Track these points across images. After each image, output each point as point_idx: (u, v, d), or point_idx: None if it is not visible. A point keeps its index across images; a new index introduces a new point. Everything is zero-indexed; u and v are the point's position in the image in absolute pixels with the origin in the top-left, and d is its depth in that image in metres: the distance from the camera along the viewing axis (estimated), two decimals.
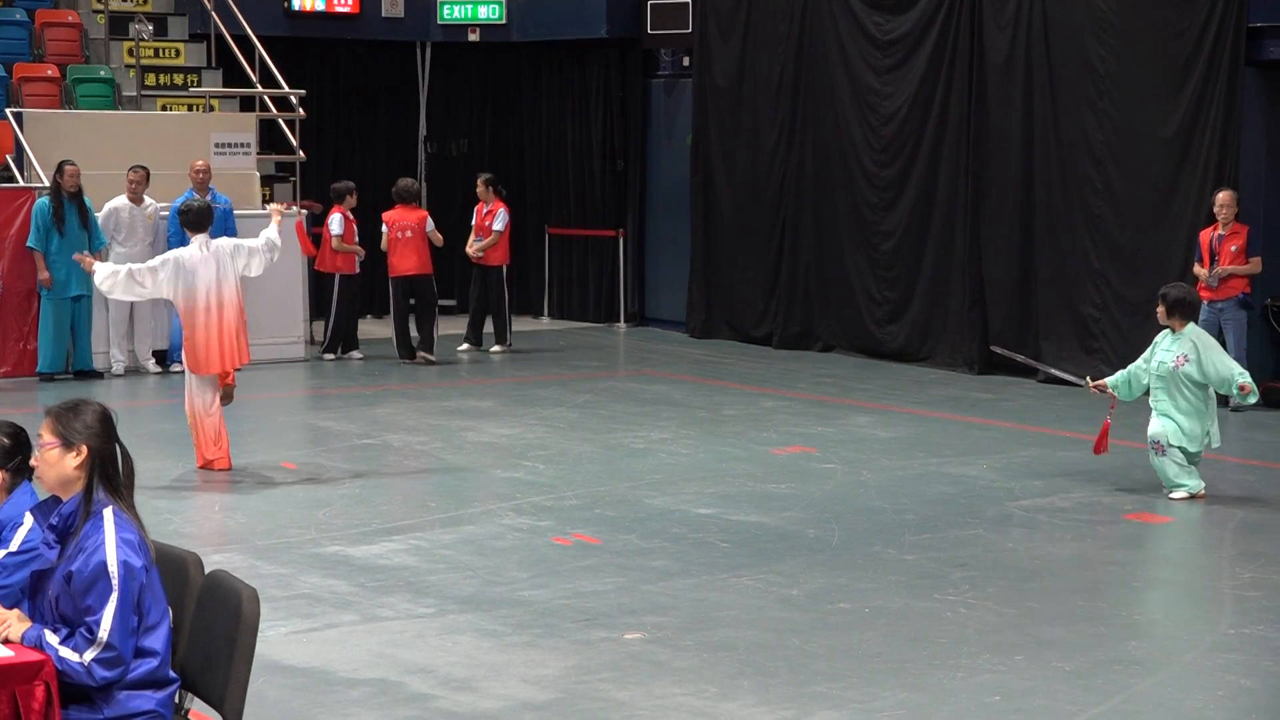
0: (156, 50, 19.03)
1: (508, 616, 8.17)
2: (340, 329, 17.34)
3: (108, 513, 5.04)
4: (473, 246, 17.89)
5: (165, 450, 12.08)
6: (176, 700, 5.17)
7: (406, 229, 17.07)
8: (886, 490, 11.09)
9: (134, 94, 18.26)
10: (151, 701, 5.02)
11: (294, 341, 17.13)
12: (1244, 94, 14.57)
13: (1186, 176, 14.89)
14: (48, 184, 15.45)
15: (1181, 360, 10.72)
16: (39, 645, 4.90)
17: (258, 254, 11.46)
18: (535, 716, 6.79)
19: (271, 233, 11.58)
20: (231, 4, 18.71)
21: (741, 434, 13.17)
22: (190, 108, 18.57)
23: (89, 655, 4.89)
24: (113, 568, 4.93)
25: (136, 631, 4.98)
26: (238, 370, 11.69)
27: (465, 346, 18.02)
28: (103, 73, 18.41)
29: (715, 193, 19.26)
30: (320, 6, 20.48)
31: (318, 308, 17.77)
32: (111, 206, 15.78)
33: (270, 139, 18.52)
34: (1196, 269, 14.23)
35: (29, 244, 15.32)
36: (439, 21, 21.31)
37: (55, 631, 4.96)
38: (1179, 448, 10.75)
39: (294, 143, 18.00)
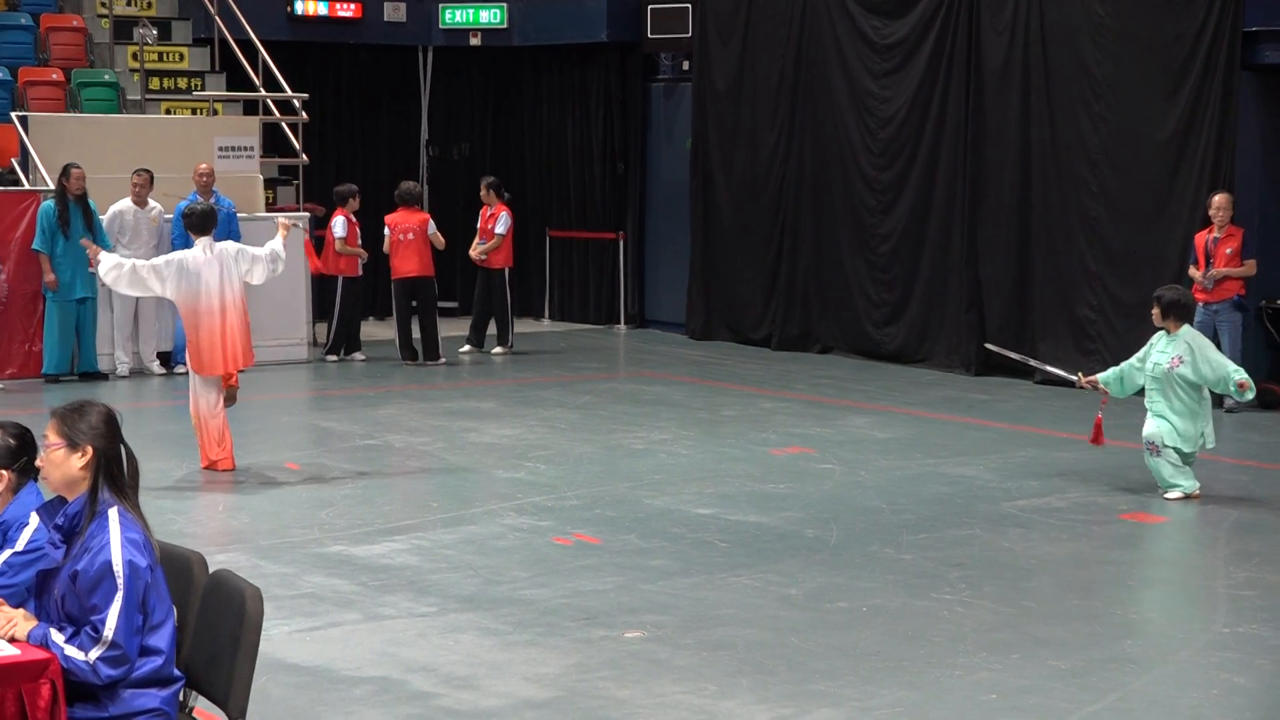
0: (161, 54, 19.04)
1: (509, 615, 8.18)
2: (343, 331, 17.35)
3: (113, 513, 5.05)
4: (476, 249, 17.90)
5: (169, 451, 12.09)
6: (181, 698, 5.18)
7: (408, 231, 17.08)
8: (884, 490, 11.10)
9: (138, 98, 18.27)
10: (156, 699, 5.03)
11: (297, 343, 17.14)
12: (1239, 98, 14.58)
13: (1182, 179, 14.90)
14: (53, 187, 15.46)
15: (1176, 361, 10.73)
16: (45, 644, 4.92)
17: (261, 262, 11.46)
18: (536, 714, 6.80)
19: (277, 244, 11.57)
20: (235, 8, 18.72)
21: (740, 435, 13.18)
22: (194, 111, 18.59)
23: (94, 654, 4.91)
24: (118, 567, 4.94)
25: (141, 630, 4.99)
26: (241, 372, 11.70)
27: (467, 348, 18.03)
28: (107, 77, 18.42)
29: (714, 195, 19.27)
30: (323, 11, 20.49)
31: (321, 310, 17.78)
32: (116, 209, 15.79)
33: (273, 142, 18.52)
34: (1192, 271, 14.24)
35: (34, 246, 15.32)
36: (441, 26, 21.32)
37: (61, 630, 4.97)
38: (1174, 448, 10.76)
39: (297, 146, 18.01)
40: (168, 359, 16.25)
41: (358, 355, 17.41)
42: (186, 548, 5.59)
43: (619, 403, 14.88)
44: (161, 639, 5.04)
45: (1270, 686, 7.22)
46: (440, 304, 17.83)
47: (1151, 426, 10.82)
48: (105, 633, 4.91)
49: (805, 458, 12.25)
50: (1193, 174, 14.80)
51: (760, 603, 8.43)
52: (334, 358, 17.29)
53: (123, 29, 18.97)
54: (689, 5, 19.42)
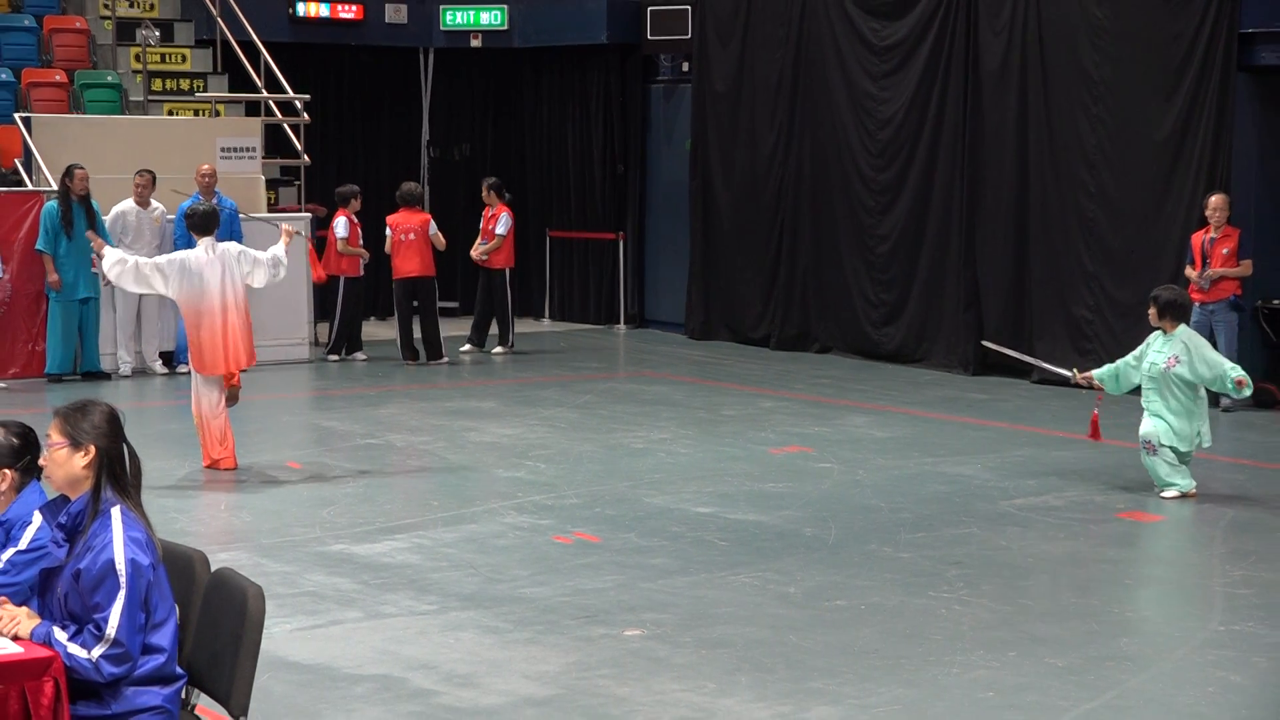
0: (163, 56, 19.04)
1: (509, 613, 8.18)
2: (345, 331, 17.35)
3: (115, 511, 5.05)
4: (477, 250, 17.92)
5: (172, 450, 12.09)
6: (183, 696, 5.18)
7: (409, 232, 17.09)
8: (882, 489, 11.10)
9: (141, 99, 18.27)
10: (158, 697, 5.03)
11: (299, 343, 17.14)
12: (1236, 99, 14.58)
13: (1179, 180, 14.91)
14: (55, 188, 15.46)
15: (1173, 361, 10.73)
16: (48, 642, 4.92)
17: (262, 265, 11.45)
18: (536, 712, 6.80)
19: (279, 250, 11.57)
20: (237, 10, 18.73)
21: (740, 434, 13.18)
22: (196, 112, 18.58)
23: (97, 652, 4.91)
24: (120, 566, 4.95)
25: (144, 628, 5.00)
26: (243, 372, 11.70)
27: (467, 347, 18.03)
28: (110, 78, 18.42)
29: (714, 196, 19.27)
30: (325, 13, 20.50)
31: (322, 310, 17.78)
32: (118, 210, 15.79)
33: (275, 143, 18.52)
34: (1188, 271, 14.24)
35: (38, 247, 15.33)
36: (442, 28, 21.33)
37: (64, 628, 4.97)
38: (1170, 447, 10.76)
39: (299, 147, 18.01)
40: (170, 359, 16.25)
41: (359, 355, 17.42)
42: (189, 546, 5.60)
43: (619, 402, 14.88)
44: (164, 637, 5.05)
45: (1266, 684, 7.22)
46: (441, 304, 17.83)
47: (1148, 426, 10.82)
48: (108, 631, 4.91)
49: (804, 457, 12.25)
50: (1189, 175, 14.81)
51: (759, 601, 8.43)
52: (335, 357, 17.29)
53: (125, 31, 18.97)
54: (688, 7, 19.42)
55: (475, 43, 21.32)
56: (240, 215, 15.84)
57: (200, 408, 11.57)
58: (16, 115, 16.93)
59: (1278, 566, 9.17)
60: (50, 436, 5.15)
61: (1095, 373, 11.34)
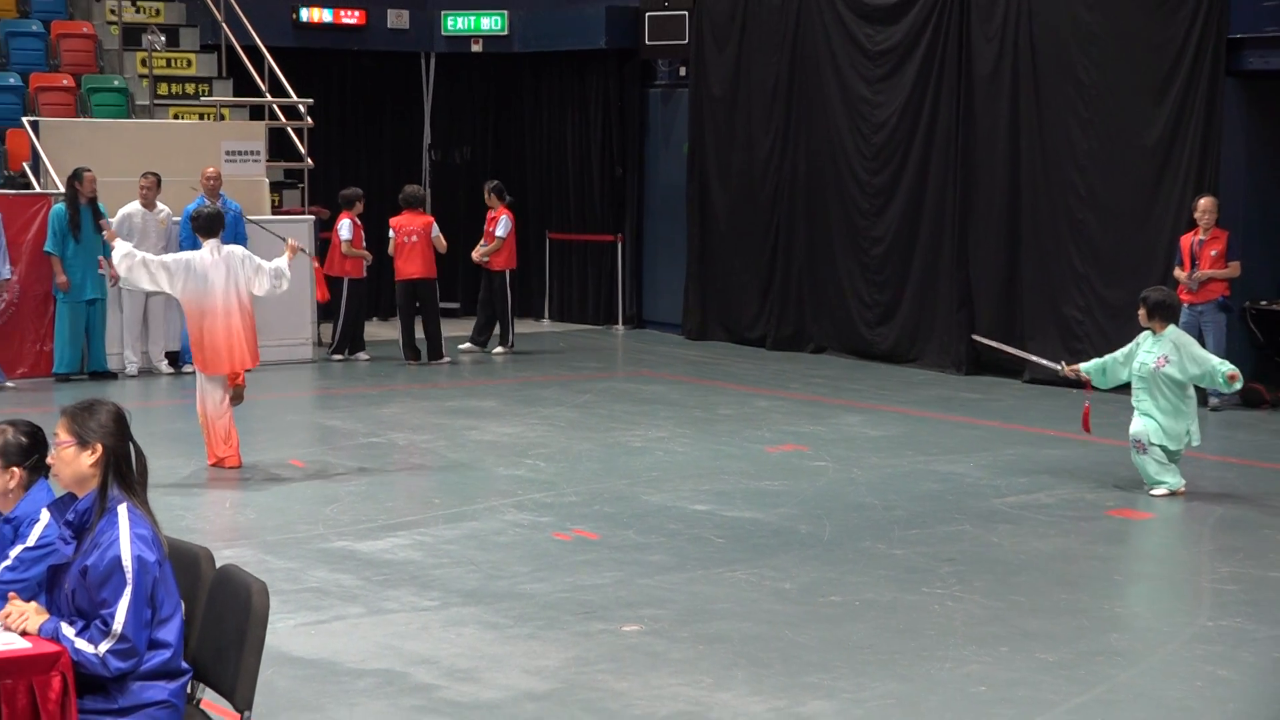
0: (169, 60, 19.03)
1: (509, 609, 8.19)
2: (348, 331, 17.36)
3: (122, 509, 5.05)
4: (478, 252, 17.93)
5: (177, 448, 12.09)
6: (189, 690, 5.18)
7: (412, 234, 17.09)
8: (876, 487, 11.11)
9: (147, 103, 18.26)
10: (164, 692, 5.03)
11: (302, 343, 17.14)
12: (1224, 103, 14.59)
13: (1168, 183, 14.91)
14: (63, 190, 15.46)
15: (1162, 361, 10.74)
16: (55, 637, 4.92)
17: (265, 273, 11.45)
18: (536, 706, 6.81)
19: (282, 263, 11.56)
20: (242, 16, 18.72)
21: (736, 433, 13.18)
22: (201, 116, 18.57)
23: (104, 647, 4.91)
24: (127, 562, 4.95)
25: (150, 624, 5.00)
26: (248, 372, 11.70)
27: (467, 345, 18.04)
28: (116, 82, 18.42)
29: (711, 199, 19.27)
30: (328, 18, 20.50)
31: (326, 310, 17.78)
32: (125, 212, 15.77)
33: (279, 147, 18.51)
34: (1177, 273, 14.25)
35: (46, 249, 15.33)
36: (443, 33, 21.32)
37: (71, 624, 4.97)
38: (1160, 446, 10.77)
39: (302, 150, 18.01)
40: (176, 359, 16.25)
41: (362, 355, 17.42)
42: (194, 543, 5.60)
43: (617, 401, 14.88)
44: (170, 632, 5.05)
45: (1253, 679, 7.23)
46: (442, 305, 17.84)
47: (1138, 425, 10.83)
48: (115, 626, 4.91)
49: (799, 455, 12.25)
50: (1178, 178, 14.82)
51: (755, 597, 8.44)
52: (339, 357, 17.29)
53: (132, 36, 18.97)
54: (686, 13, 19.42)
55: (476, 48, 21.32)
56: (245, 218, 15.83)
57: (205, 407, 11.57)
58: (24, 119, 16.94)
59: (1265, 563, 9.18)
60: (58, 435, 5.16)
61: (1083, 366, 11.37)
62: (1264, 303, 14.88)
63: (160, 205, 15.94)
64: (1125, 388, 11.23)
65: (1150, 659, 7.53)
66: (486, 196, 18.07)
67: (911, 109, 16.98)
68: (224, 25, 18.76)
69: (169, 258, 11.49)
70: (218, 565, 5.41)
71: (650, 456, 12.17)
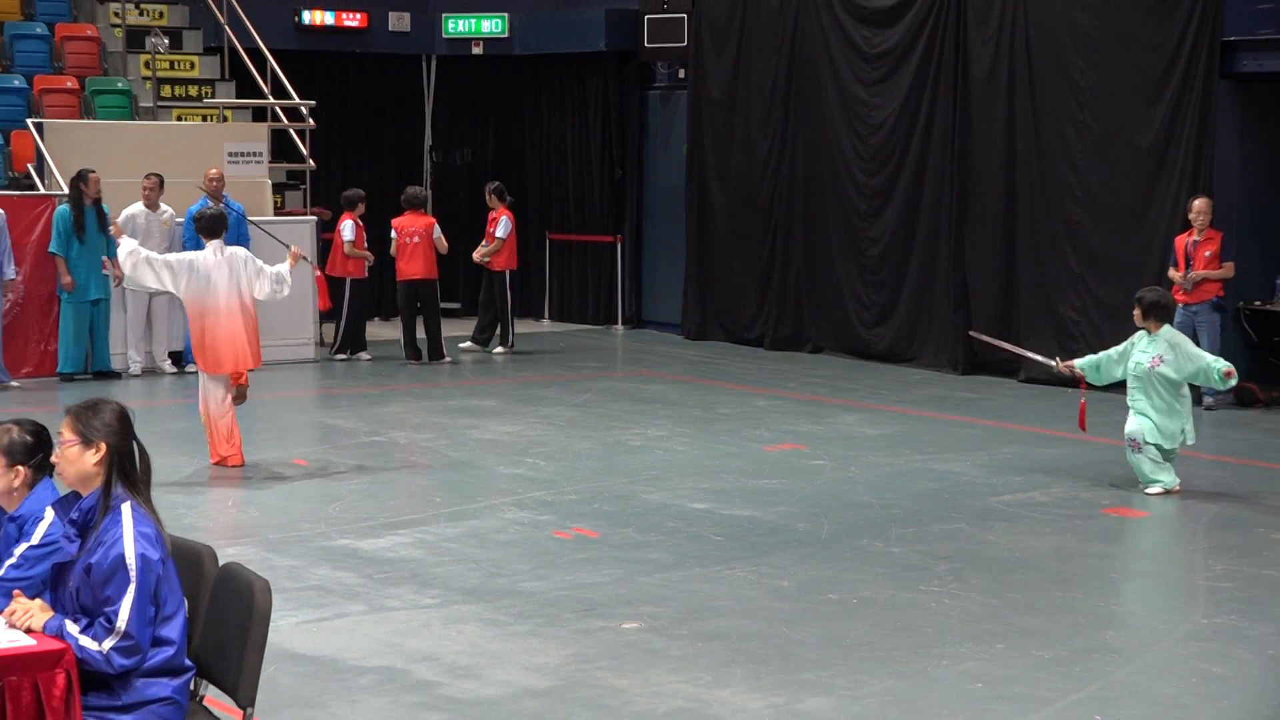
0: (172, 63, 19.03)
1: (510, 607, 8.18)
2: (350, 331, 17.35)
3: (126, 507, 5.05)
4: (479, 252, 17.93)
5: (180, 447, 12.08)
6: (192, 687, 5.18)
7: (414, 235, 17.08)
8: (874, 486, 11.10)
9: (150, 105, 18.25)
10: (168, 688, 5.03)
11: (304, 343, 17.13)
12: (1218, 106, 14.59)
13: (1163, 185, 14.91)
14: (67, 192, 15.45)
15: (1157, 361, 10.74)
16: (60, 634, 4.92)
17: (266, 277, 11.45)
18: (536, 703, 6.80)
19: (283, 269, 11.56)
20: (244, 18, 18.71)
21: (734, 432, 13.18)
22: (204, 118, 18.57)
23: (108, 644, 4.91)
24: (130, 560, 4.95)
25: (153, 621, 4.99)
26: (251, 371, 11.69)
27: (468, 345, 18.05)
28: (120, 84, 18.41)
29: (709, 200, 19.27)
30: (330, 21, 20.49)
31: (328, 310, 17.75)
32: (128, 213, 15.77)
33: (281, 148, 18.51)
34: (1172, 273, 14.25)
35: (51, 249, 15.33)
36: (444, 35, 21.32)
37: (75, 621, 4.97)
38: (1155, 445, 10.77)
39: (304, 152, 18.01)
40: (179, 358, 16.24)
41: (363, 355, 17.41)
42: (197, 541, 5.59)
43: (617, 401, 14.88)
44: (173, 630, 5.05)
45: (1248, 676, 7.23)
46: (443, 305, 17.84)
47: (1133, 424, 10.83)
48: (118, 624, 4.91)
49: (797, 454, 12.25)
50: (1173, 179, 14.82)
51: (753, 595, 8.43)
52: (342, 357, 17.29)
53: (135, 38, 18.96)
54: (685, 16, 19.41)
55: (477, 50, 21.31)
56: (249, 220, 15.82)
57: (208, 406, 11.57)
58: (29, 120, 16.93)
59: (1259, 561, 9.18)
60: (62, 434, 5.16)
61: (1077, 362, 11.38)
62: (1258, 303, 14.89)
63: (164, 206, 15.93)
64: (1120, 387, 11.23)
65: (1145, 656, 7.52)
66: (487, 198, 18.07)
67: (908, 111, 16.98)
68: (227, 28, 18.76)
69: (173, 257, 11.50)
70: (220, 563, 5.41)
71: (649, 455, 12.17)
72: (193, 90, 19.05)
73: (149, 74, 18.36)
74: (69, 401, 5.40)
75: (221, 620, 5.21)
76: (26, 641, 4.89)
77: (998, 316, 16.10)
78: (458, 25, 21.25)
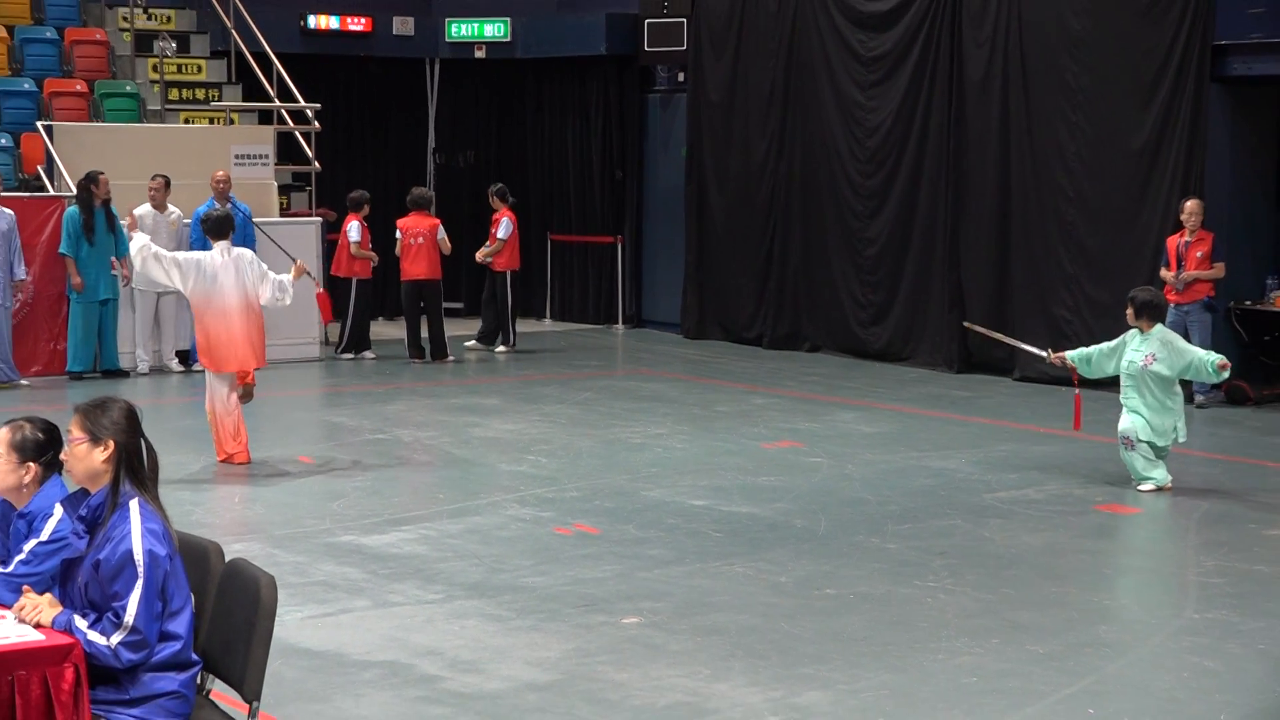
0: (180, 66, 19.03)
1: (512, 602, 8.18)
2: (355, 331, 17.35)
3: (134, 504, 5.05)
4: (481, 252, 17.93)
5: (187, 445, 12.08)
6: (198, 681, 5.17)
7: (419, 235, 17.08)
8: (870, 483, 11.10)
9: (158, 108, 18.26)
10: (174, 683, 5.02)
11: (310, 342, 17.13)
12: (1209, 108, 14.59)
13: (1155, 186, 14.91)
14: (76, 193, 15.44)
15: (1150, 359, 10.73)
16: (68, 629, 4.91)
17: (270, 282, 11.44)
18: (538, 697, 6.80)
19: (286, 279, 11.56)
20: (251, 23, 18.71)
21: (733, 429, 13.17)
22: (211, 121, 18.57)
23: (115, 639, 4.90)
24: (138, 556, 4.94)
25: (161, 616, 4.99)
26: (256, 370, 11.68)
27: (472, 344, 18.05)
28: (129, 88, 18.41)
29: (708, 201, 19.26)
30: (335, 25, 20.47)
31: (334, 309, 17.76)
32: (137, 213, 15.70)
33: (287, 150, 18.51)
34: (1164, 273, 14.25)
35: (61, 250, 15.32)
36: (447, 39, 21.30)
37: (84, 616, 4.97)
38: (1147, 442, 10.76)
39: (309, 154, 18.00)
40: (186, 357, 16.21)
41: (368, 354, 17.41)
42: (204, 537, 5.59)
43: (617, 399, 14.87)
44: (180, 625, 5.04)
45: (1239, 670, 7.22)
46: (446, 305, 17.83)
47: (1126, 422, 10.82)
48: (126, 619, 4.90)
49: (795, 451, 12.24)
50: (1165, 181, 14.81)
51: (752, 590, 8.43)
52: (348, 356, 17.29)
53: (143, 42, 18.97)
54: (684, 20, 19.41)
55: (479, 54, 21.30)
56: (253, 221, 15.82)
57: (214, 404, 11.56)
58: (39, 123, 16.94)
59: (1250, 557, 9.17)
60: (71, 432, 5.15)
61: (1069, 354, 11.37)
62: (1248, 303, 14.89)
63: (171, 207, 15.92)
64: (1113, 385, 11.22)
65: (1138, 650, 7.52)
66: (490, 199, 18.06)
67: (904, 113, 16.97)
68: (234, 32, 18.75)
69: (181, 255, 11.51)
70: (227, 559, 5.41)
71: (649, 453, 12.16)
72: (200, 93, 19.06)
73: (157, 77, 18.37)
74: (78, 400, 5.39)
75: (228, 615, 5.20)
76: (35, 636, 4.88)
77: (992, 316, 16.07)
78: (461, 29, 21.23)
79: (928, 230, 16.81)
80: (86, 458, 5.09)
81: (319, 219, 17.56)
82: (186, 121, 18.46)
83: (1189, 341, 12.70)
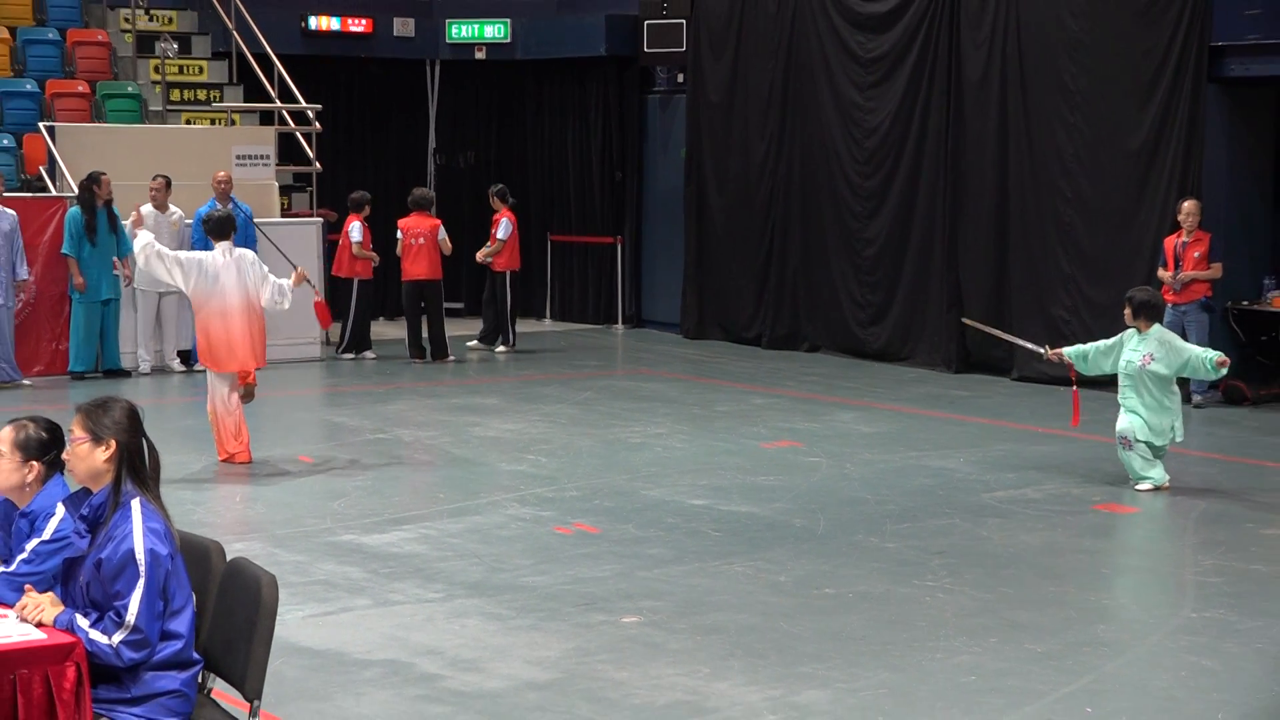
0: (181, 68, 19.03)
1: (512, 601, 8.17)
2: (356, 331, 17.34)
3: (135, 503, 5.04)
4: (482, 252, 17.93)
5: (189, 444, 12.07)
6: (199, 680, 5.17)
7: (420, 236, 17.07)
8: (869, 482, 11.09)
9: (160, 109, 18.26)
10: (176, 681, 5.02)
11: (311, 342, 17.12)
12: (1206, 109, 14.58)
13: (1152, 187, 14.90)
14: (78, 194, 15.44)
15: (1148, 359, 10.73)
16: (70, 628, 4.91)
17: (269, 285, 11.43)
18: (538, 695, 6.79)
19: (286, 283, 11.56)
20: (252, 24, 18.71)
21: (732, 429, 13.17)
22: (213, 122, 18.57)
23: (117, 638, 4.90)
24: (140, 555, 4.94)
25: (162, 615, 4.99)
26: (258, 370, 11.67)
27: (474, 343, 18.05)
28: (130, 89, 18.41)
29: (708, 201, 19.26)
30: (335, 26, 20.47)
31: (335, 310, 17.76)
32: (142, 212, 15.74)
33: (288, 151, 18.51)
34: (1161, 273, 14.24)
35: (64, 250, 15.32)
36: (447, 41, 21.30)
37: (86, 615, 4.96)
38: (1145, 442, 10.76)
39: (310, 155, 18.00)
40: (187, 357, 16.21)
41: (368, 354, 17.41)
42: (205, 537, 5.58)
43: (617, 399, 14.86)
44: (181, 624, 5.04)
45: (1237, 669, 7.21)
46: (447, 305, 17.83)
47: (1124, 422, 10.82)
48: (128, 618, 4.90)
49: (794, 451, 12.24)
50: (1162, 181, 14.81)
51: (751, 589, 8.42)
52: (350, 356, 17.28)
53: (145, 43, 18.97)
54: (683, 21, 19.41)
55: (479, 55, 21.30)
56: (254, 222, 15.82)
57: (215, 404, 11.56)
58: (41, 124, 16.94)
59: (1247, 556, 9.17)
60: (73, 431, 5.15)
61: (1066, 350, 11.37)
62: (1245, 303, 14.88)
63: (173, 208, 15.92)
64: (1111, 384, 11.22)
65: (1136, 650, 7.51)
66: (490, 200, 18.06)
67: (903, 114, 16.97)
68: (235, 33, 18.75)
69: (184, 255, 11.52)
70: (228, 558, 5.40)
71: (649, 452, 12.16)
72: (201, 94, 19.06)
73: (158, 78, 18.37)
74: (79, 399, 5.39)
75: (229, 614, 5.20)
76: (37, 635, 4.88)
77: (991, 315, 16.05)
78: (461, 31, 21.23)
79: (926, 230, 16.81)
80: (88, 457, 5.09)
81: (320, 219, 17.56)
82: (188, 122, 18.45)
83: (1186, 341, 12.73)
